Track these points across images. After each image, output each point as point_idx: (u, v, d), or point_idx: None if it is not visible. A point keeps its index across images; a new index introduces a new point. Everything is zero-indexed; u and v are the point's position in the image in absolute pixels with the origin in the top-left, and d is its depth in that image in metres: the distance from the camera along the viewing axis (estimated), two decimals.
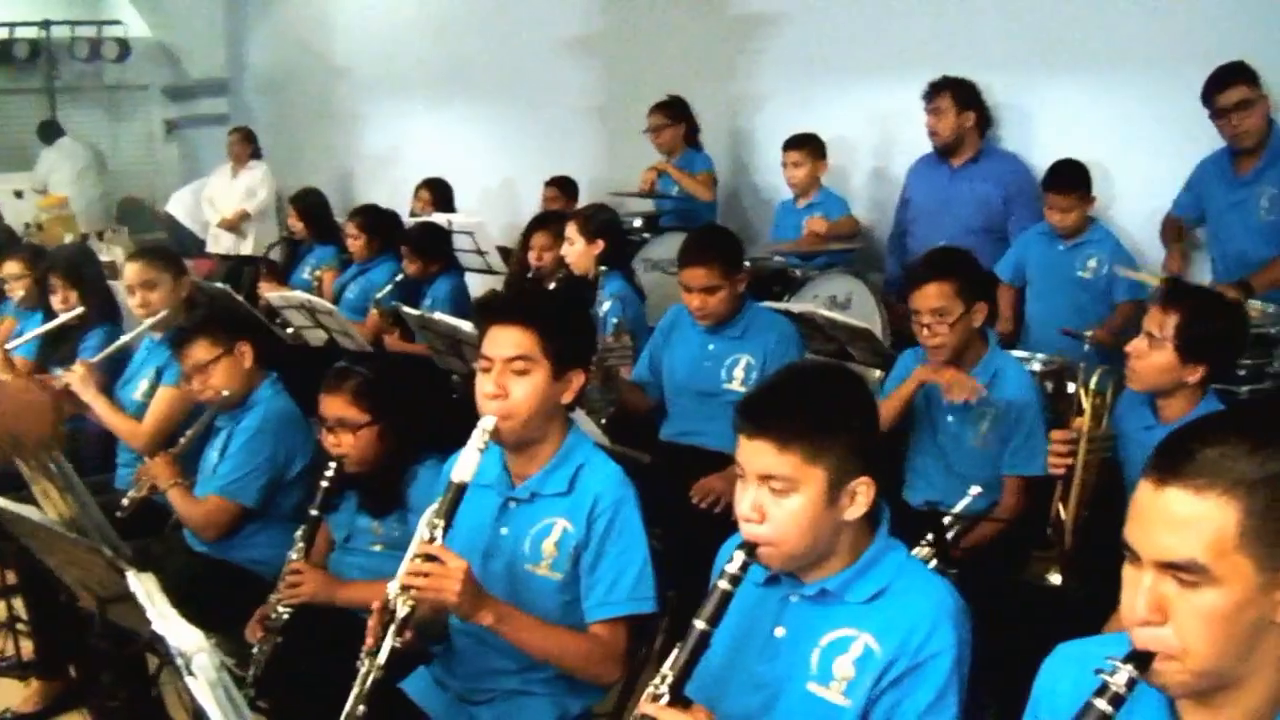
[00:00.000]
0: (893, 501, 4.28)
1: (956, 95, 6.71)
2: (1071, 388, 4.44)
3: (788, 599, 2.55)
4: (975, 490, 4.12)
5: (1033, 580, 3.96)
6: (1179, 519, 1.75)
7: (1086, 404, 3.92)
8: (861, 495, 2.43)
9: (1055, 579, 3.89)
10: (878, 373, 5.44)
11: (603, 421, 5.02)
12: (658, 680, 2.33)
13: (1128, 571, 1.84)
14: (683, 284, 4.90)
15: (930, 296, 4.30)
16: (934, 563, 3.77)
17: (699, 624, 2.33)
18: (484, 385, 3.02)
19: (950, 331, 4.30)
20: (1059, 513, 3.94)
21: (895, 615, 2.42)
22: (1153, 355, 3.77)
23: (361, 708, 2.86)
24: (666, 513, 4.07)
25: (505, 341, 3.03)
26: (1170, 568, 1.76)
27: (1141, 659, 1.79)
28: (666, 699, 2.29)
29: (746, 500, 2.42)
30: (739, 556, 2.37)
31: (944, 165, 6.90)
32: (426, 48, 10.97)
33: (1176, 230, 6.02)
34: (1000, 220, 6.74)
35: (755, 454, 2.41)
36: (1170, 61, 6.19)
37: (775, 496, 2.39)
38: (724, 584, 2.35)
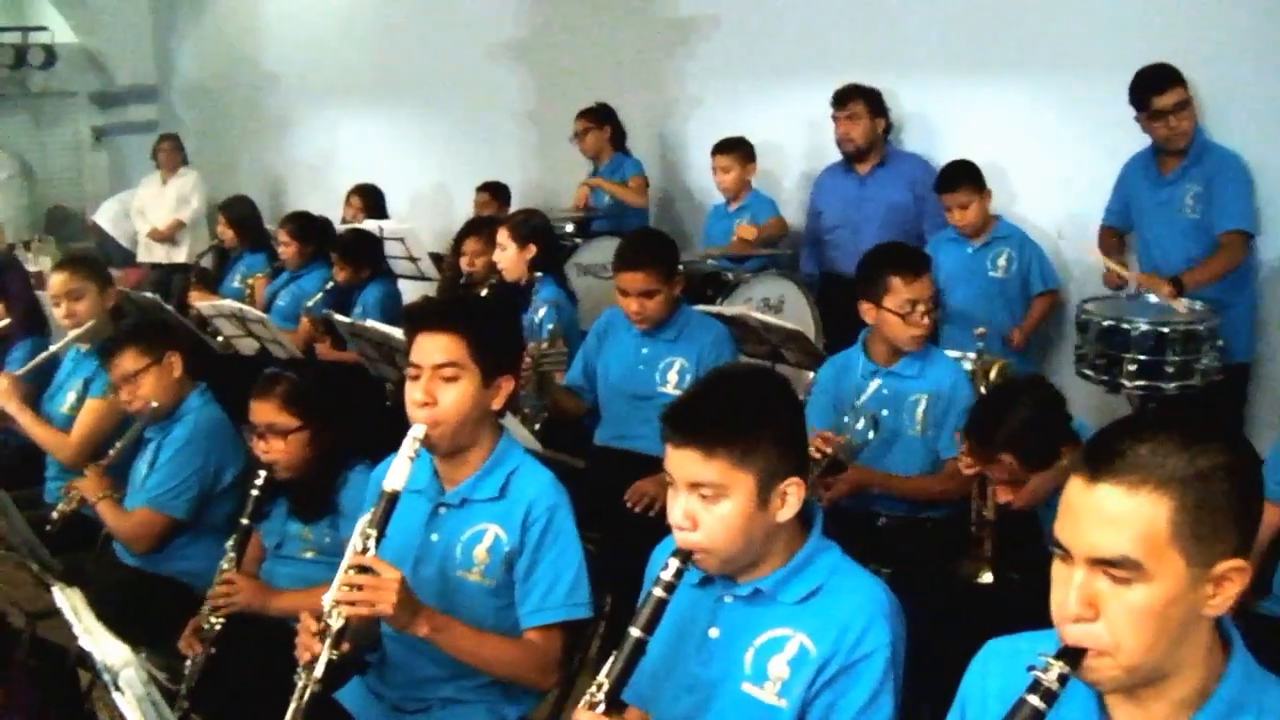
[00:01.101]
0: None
1: (869, 102, 6.84)
2: None
3: (722, 600, 2.56)
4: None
5: (964, 579, 4.00)
6: (1111, 516, 1.76)
7: None
8: (792, 496, 2.44)
9: (986, 578, 3.93)
10: (810, 374, 5.48)
11: (536, 427, 5.02)
12: (594, 688, 2.32)
13: (1058, 568, 1.86)
14: (620, 288, 4.91)
15: (929, 283, 4.47)
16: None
17: (635, 632, 2.33)
18: (413, 393, 3.01)
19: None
20: (980, 511, 3.98)
21: (829, 614, 2.44)
22: (1026, 490, 3.64)
23: None
24: (601, 517, 4.08)
25: (433, 349, 3.02)
26: (1102, 564, 1.77)
27: (1073, 655, 1.80)
28: (603, 707, 2.29)
29: (678, 508, 2.43)
30: (673, 564, 2.38)
31: (852, 173, 7.05)
32: (357, 54, 10.91)
33: (1116, 240, 6.10)
34: (914, 222, 6.88)
35: (683, 462, 2.41)
36: (1074, 65, 6.34)
37: (706, 503, 2.40)
38: (659, 591, 2.36)
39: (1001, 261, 6.14)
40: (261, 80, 12.11)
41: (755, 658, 2.48)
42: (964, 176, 6.11)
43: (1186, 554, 1.75)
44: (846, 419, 4.43)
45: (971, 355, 5.32)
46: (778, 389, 2.56)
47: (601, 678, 2.33)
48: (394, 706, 3.22)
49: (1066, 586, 1.82)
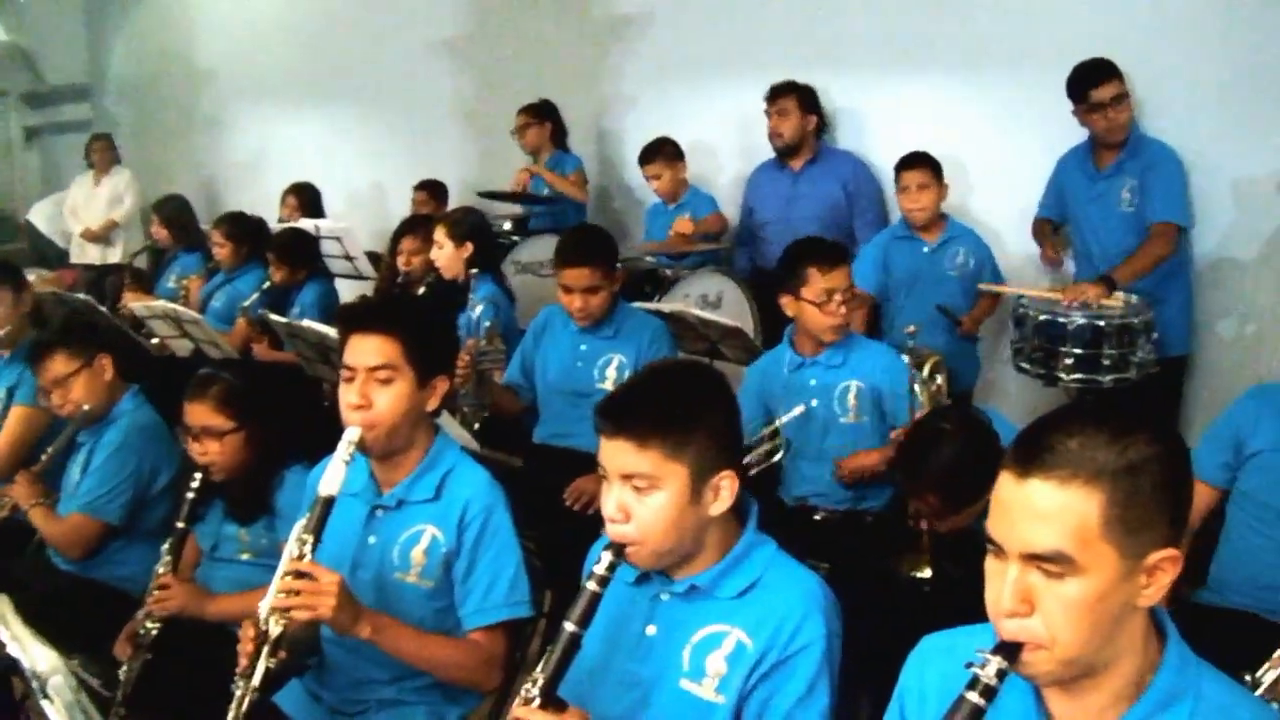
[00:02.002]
0: (767, 499, 4.36)
1: (800, 99, 6.87)
2: (939, 379, 4.52)
3: (658, 597, 2.56)
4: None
5: (903, 574, 4.01)
6: (1042, 511, 1.77)
7: (923, 394, 4.00)
8: (725, 490, 2.44)
9: (925, 572, 3.94)
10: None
11: (476, 426, 5.01)
12: (529, 684, 2.32)
13: (991, 564, 1.86)
14: (563, 285, 4.89)
15: (847, 274, 4.49)
16: None
17: (569, 626, 2.33)
18: (347, 395, 3.00)
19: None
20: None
21: (765, 609, 2.44)
22: (947, 523, 3.67)
23: None
24: (541, 515, 4.07)
25: (367, 350, 3.01)
26: (1035, 559, 1.78)
27: (1010, 650, 1.81)
28: (538, 702, 2.29)
29: (610, 501, 2.43)
30: (606, 557, 2.37)
31: (785, 170, 7.08)
32: (292, 51, 10.84)
33: (1048, 229, 6.16)
34: (845, 218, 6.93)
35: (615, 453, 2.42)
36: (1009, 61, 6.41)
37: (638, 495, 2.40)
38: (592, 585, 2.36)
39: (959, 260, 6.16)
40: (196, 78, 12.00)
41: (693, 654, 2.49)
42: (926, 159, 6.11)
43: (1118, 546, 1.76)
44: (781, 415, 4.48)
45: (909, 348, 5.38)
46: (712, 383, 2.57)
47: (537, 673, 2.33)
48: (333, 709, 3.20)
49: (1000, 582, 1.82)
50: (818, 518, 4.48)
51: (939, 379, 4.13)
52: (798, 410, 4.47)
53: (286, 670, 3.08)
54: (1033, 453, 1.80)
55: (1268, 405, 3.54)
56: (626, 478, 2.41)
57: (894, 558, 4.09)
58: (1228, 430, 3.62)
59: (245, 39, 11.35)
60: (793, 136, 6.94)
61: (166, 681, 3.52)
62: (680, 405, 2.44)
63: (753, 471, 4.42)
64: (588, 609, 2.35)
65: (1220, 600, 3.56)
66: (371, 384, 2.99)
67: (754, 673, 2.42)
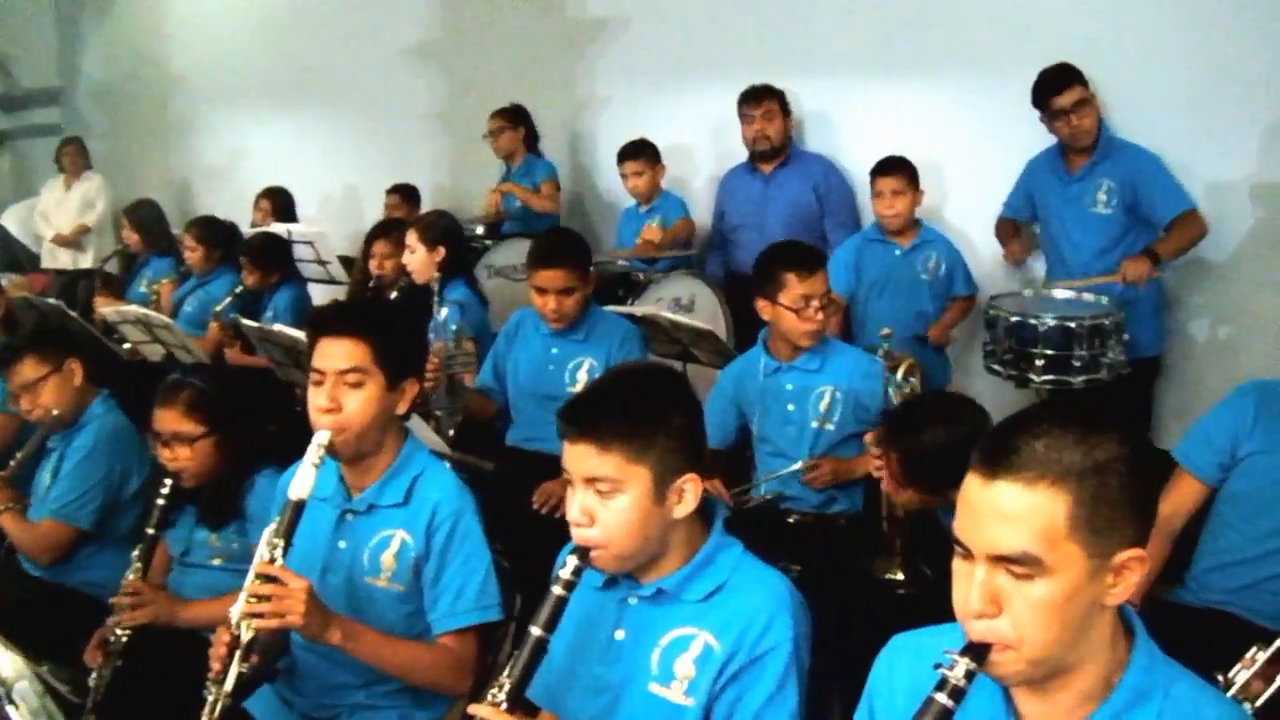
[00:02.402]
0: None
1: (780, 101, 6.92)
2: (914, 381, 4.53)
3: (626, 601, 2.57)
4: (796, 465, 4.38)
5: (876, 576, 4.02)
6: (1009, 512, 1.78)
7: (895, 398, 4.01)
8: (689, 492, 2.45)
9: (899, 574, 3.95)
10: None
11: (451, 432, 5.00)
12: (495, 688, 2.33)
13: (958, 565, 1.87)
14: (538, 287, 4.87)
15: (824, 280, 4.47)
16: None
17: (535, 630, 2.34)
18: (316, 399, 2.99)
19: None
20: (891, 510, 4.00)
21: (732, 611, 2.45)
22: (899, 495, 3.71)
23: None
24: (512, 518, 4.07)
25: (337, 354, 3.01)
26: (1003, 560, 1.79)
27: (978, 651, 1.81)
28: (505, 705, 2.30)
29: (575, 505, 2.43)
30: (571, 561, 2.38)
31: (756, 173, 7.12)
32: (266, 56, 10.82)
33: (1012, 229, 6.18)
34: (816, 220, 6.96)
35: (578, 457, 2.42)
36: (979, 64, 6.44)
37: (602, 499, 2.40)
38: (558, 590, 2.36)
39: (930, 264, 6.18)
40: (168, 83, 11.95)
41: (661, 658, 2.49)
42: (904, 164, 6.14)
43: (1086, 546, 1.77)
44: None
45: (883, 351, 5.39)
46: (674, 386, 2.57)
47: (503, 678, 2.33)
48: (304, 714, 3.20)
49: (968, 583, 1.83)
50: (790, 520, 4.48)
51: (914, 381, 4.12)
52: (796, 466, 4.48)
53: (257, 676, 3.07)
54: (999, 454, 1.80)
55: (1265, 407, 3.53)
56: (590, 481, 2.41)
57: (866, 560, 4.10)
58: (1224, 428, 3.59)
59: (218, 43, 11.31)
60: (779, 139, 6.99)
61: (137, 688, 3.51)
62: (642, 408, 2.45)
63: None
64: (553, 613, 2.36)
65: (1197, 599, 3.57)
66: (341, 387, 2.99)
67: (722, 675, 2.43)
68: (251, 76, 10.98)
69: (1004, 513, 1.78)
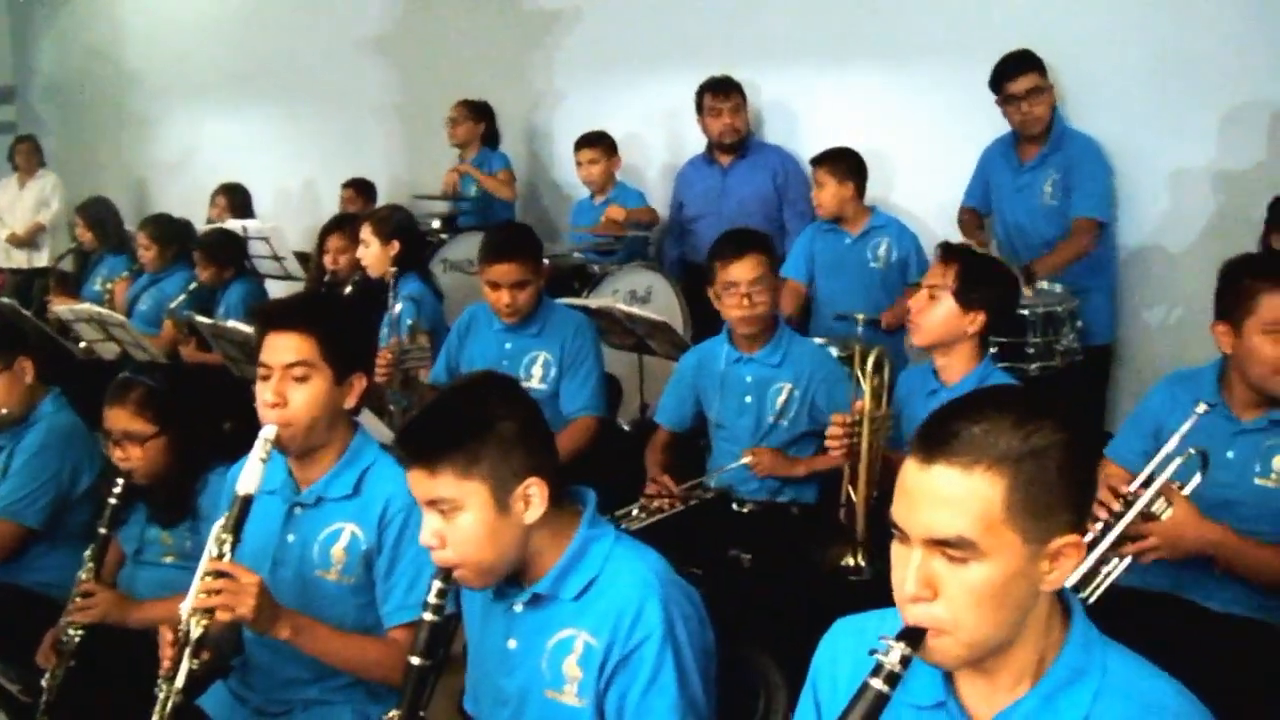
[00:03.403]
0: None
1: (743, 94, 6.89)
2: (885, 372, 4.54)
3: (512, 609, 2.57)
4: (745, 460, 4.38)
5: (830, 564, 4.03)
6: (945, 496, 1.78)
7: (866, 386, 4.00)
8: (535, 496, 2.43)
9: (852, 562, 3.96)
10: None
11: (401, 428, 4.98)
12: None
13: (896, 549, 1.87)
14: (491, 281, 4.86)
15: (749, 268, 4.39)
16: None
17: (414, 660, 2.42)
18: (263, 394, 2.99)
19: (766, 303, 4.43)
20: (850, 496, 4.01)
21: (605, 605, 2.45)
22: (934, 307, 3.89)
23: None
24: None
25: (283, 348, 3.00)
26: (938, 544, 1.79)
27: (914, 635, 1.81)
28: None
29: (426, 529, 2.44)
30: (435, 585, 2.43)
31: (714, 165, 7.16)
32: (220, 50, 10.78)
33: (975, 219, 6.20)
34: (775, 210, 7.00)
35: (415, 483, 2.43)
36: (936, 53, 6.47)
37: (446, 519, 2.40)
38: (428, 615, 2.43)
39: (881, 251, 6.19)
40: (123, 79, 11.91)
41: (549, 663, 2.50)
42: (827, 157, 6.17)
43: (1022, 532, 1.77)
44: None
45: (837, 340, 5.40)
46: (499, 393, 2.52)
47: (394, 710, 2.42)
48: (257, 710, 3.19)
49: (905, 567, 1.83)
50: (745, 510, 4.48)
51: (885, 371, 4.12)
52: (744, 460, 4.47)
53: (209, 672, 3.07)
54: (937, 439, 1.81)
55: (1185, 393, 3.56)
56: (432, 504, 2.41)
57: (821, 548, 4.11)
58: (1147, 417, 3.64)
59: (173, 38, 11.27)
60: (746, 130, 7.05)
61: (90, 688, 3.49)
62: (464, 424, 2.42)
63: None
64: (430, 640, 2.42)
65: (1141, 583, 3.58)
66: (287, 382, 2.98)
67: (603, 671, 2.43)
68: (207, 71, 10.94)
69: (940, 497, 1.78)
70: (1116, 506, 3.17)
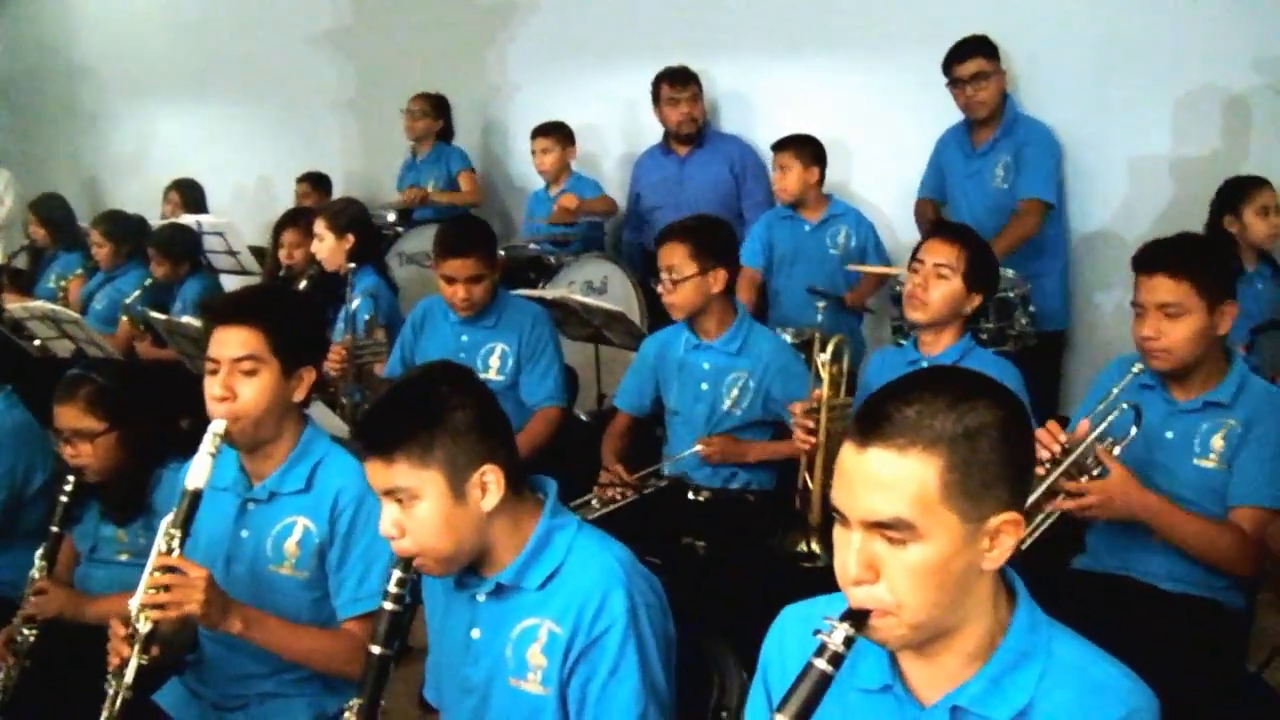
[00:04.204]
0: None
1: (698, 83, 6.91)
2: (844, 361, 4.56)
3: (475, 599, 2.57)
4: (696, 448, 4.41)
5: (787, 550, 4.05)
6: (882, 479, 1.79)
7: (825, 374, 4.02)
8: (492, 484, 2.44)
9: (808, 548, 3.97)
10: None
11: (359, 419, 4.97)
12: (348, 712, 2.43)
13: (838, 533, 1.88)
14: (446, 275, 4.86)
15: (666, 253, 4.45)
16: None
17: (374, 649, 2.42)
18: (212, 388, 2.98)
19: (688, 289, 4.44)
20: (806, 483, 4.03)
21: (568, 595, 2.46)
22: (942, 286, 3.94)
23: None
24: None
25: (231, 342, 2.99)
26: (877, 526, 1.80)
27: (858, 617, 1.83)
28: None
29: (385, 519, 2.44)
30: (395, 574, 2.43)
31: (672, 154, 7.17)
32: (173, 45, 10.70)
33: (931, 210, 6.23)
34: (733, 199, 7.02)
35: (372, 473, 2.43)
36: (892, 41, 6.50)
37: (404, 509, 2.41)
38: (388, 605, 2.44)
39: (840, 239, 6.22)
40: (75, 74, 11.81)
41: (514, 651, 2.51)
42: (792, 141, 6.19)
43: (959, 511, 1.79)
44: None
45: (791, 330, 5.42)
46: (450, 382, 2.52)
47: (354, 699, 2.42)
48: (213, 705, 3.18)
49: (846, 550, 1.84)
50: (701, 498, 4.50)
51: (844, 360, 4.14)
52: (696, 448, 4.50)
53: (165, 668, 3.08)
54: (872, 422, 1.82)
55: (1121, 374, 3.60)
56: (389, 494, 2.42)
57: (779, 535, 4.13)
58: (1095, 399, 3.68)
59: (125, 33, 11.19)
60: (702, 120, 7.07)
61: (46, 686, 3.47)
62: (418, 412, 2.43)
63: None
64: (389, 629, 2.42)
65: (1096, 565, 3.62)
66: (235, 376, 2.97)
67: (567, 659, 2.45)
68: (160, 66, 10.87)
69: (877, 479, 1.79)
70: (1056, 449, 3.23)
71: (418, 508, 2.39)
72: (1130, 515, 3.28)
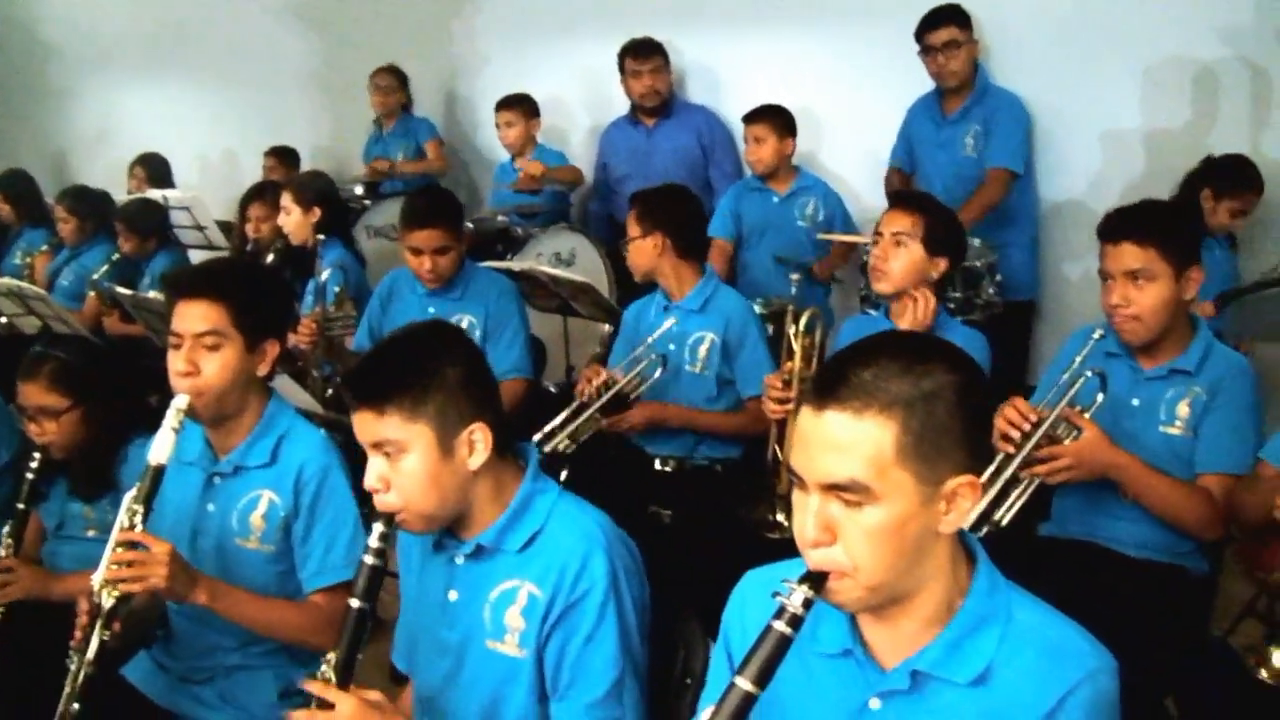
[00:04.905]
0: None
1: (665, 55, 6.94)
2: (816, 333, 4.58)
3: (453, 561, 2.58)
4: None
5: (755, 519, 4.06)
6: (839, 441, 1.80)
7: (797, 346, 4.03)
8: (479, 442, 2.45)
9: (773, 519, 3.99)
10: (606, 327, 5.54)
11: (329, 392, 4.97)
12: (324, 665, 2.39)
13: (796, 496, 1.90)
14: (413, 247, 4.86)
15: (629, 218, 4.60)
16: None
17: (354, 603, 2.40)
18: (175, 363, 2.97)
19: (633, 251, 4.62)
20: (776, 454, 4.04)
21: (550, 557, 2.47)
22: (902, 254, 3.96)
23: (75, 705, 2.80)
24: None
25: (194, 317, 2.98)
26: (834, 489, 1.82)
27: (816, 579, 1.84)
28: (334, 680, 2.36)
29: (370, 473, 2.44)
30: (377, 528, 2.41)
31: (639, 125, 7.15)
32: (138, 21, 10.62)
33: (900, 180, 6.24)
34: (701, 170, 7.04)
35: (361, 425, 2.43)
36: (859, 12, 6.49)
37: (391, 462, 2.41)
38: (369, 559, 2.41)
39: (809, 211, 6.23)
40: (39, 50, 11.69)
41: (492, 613, 2.51)
42: (767, 112, 6.19)
43: (915, 473, 1.80)
44: (639, 354, 4.54)
45: (760, 300, 5.43)
46: (445, 339, 2.55)
47: (330, 654, 2.40)
48: (181, 677, 3.19)
49: (804, 513, 1.86)
50: (669, 468, 4.52)
51: (816, 333, 4.16)
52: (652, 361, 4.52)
53: (132, 642, 3.09)
54: (829, 385, 1.83)
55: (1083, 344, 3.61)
56: (376, 446, 2.42)
57: (747, 507, 4.14)
58: (1059, 370, 3.69)
59: (89, 9, 11.08)
60: (666, 92, 7.07)
61: (11, 663, 3.46)
62: (411, 366, 2.44)
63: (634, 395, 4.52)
64: (369, 583, 2.40)
65: (1061, 532, 3.64)
66: (199, 351, 2.97)
67: (546, 621, 2.45)
68: (125, 41, 10.78)
69: (834, 442, 1.81)
70: (1027, 427, 3.27)
71: (404, 461, 2.40)
72: (1105, 473, 3.31)
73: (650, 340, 4.50)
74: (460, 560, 2.56)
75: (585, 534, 2.48)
